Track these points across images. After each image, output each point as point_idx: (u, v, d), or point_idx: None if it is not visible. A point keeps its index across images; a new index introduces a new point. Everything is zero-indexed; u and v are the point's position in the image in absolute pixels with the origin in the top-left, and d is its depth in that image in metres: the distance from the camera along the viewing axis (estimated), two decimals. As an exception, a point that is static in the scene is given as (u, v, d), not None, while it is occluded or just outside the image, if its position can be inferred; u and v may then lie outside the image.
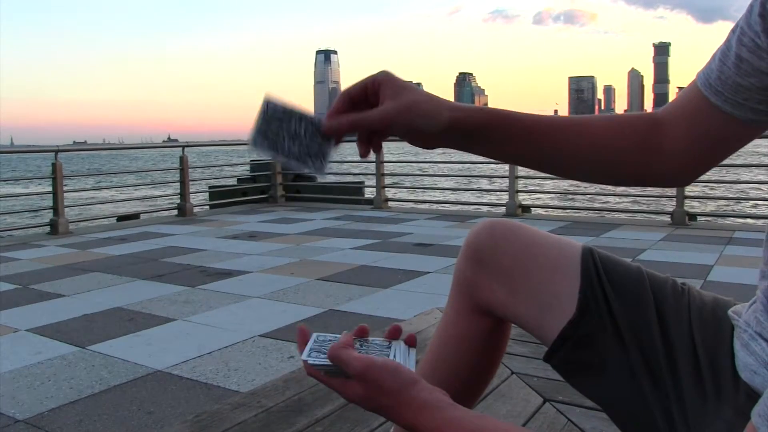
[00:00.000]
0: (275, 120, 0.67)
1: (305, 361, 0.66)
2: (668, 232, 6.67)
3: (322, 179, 11.23)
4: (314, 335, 0.68)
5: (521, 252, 0.87)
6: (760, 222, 8.35)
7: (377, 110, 0.68)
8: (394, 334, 0.71)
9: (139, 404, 2.55)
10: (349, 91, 0.69)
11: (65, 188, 7.52)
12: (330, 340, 0.68)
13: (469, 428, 0.58)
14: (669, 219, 7.36)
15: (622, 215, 8.96)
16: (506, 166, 8.30)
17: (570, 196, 11.69)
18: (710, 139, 0.68)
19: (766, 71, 0.60)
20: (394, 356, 0.67)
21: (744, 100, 0.63)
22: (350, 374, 0.64)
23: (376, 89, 0.69)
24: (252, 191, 10.77)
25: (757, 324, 0.68)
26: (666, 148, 0.70)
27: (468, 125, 0.69)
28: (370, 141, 0.70)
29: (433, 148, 0.72)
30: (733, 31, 0.63)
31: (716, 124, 0.66)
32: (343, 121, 0.68)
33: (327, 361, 0.65)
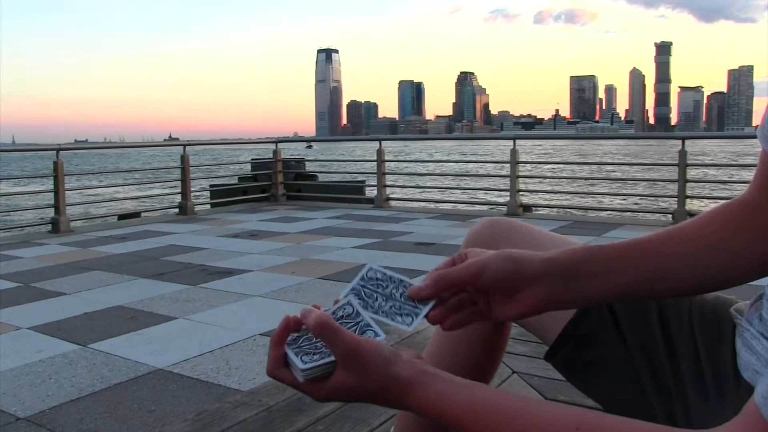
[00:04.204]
0: (372, 281, 0.70)
1: (283, 365, 0.62)
2: (669, 232, 6.66)
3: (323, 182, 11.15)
4: (287, 349, 0.63)
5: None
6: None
7: (463, 263, 0.68)
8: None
9: (140, 403, 2.55)
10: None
11: (66, 186, 7.53)
12: (305, 338, 0.63)
13: (460, 401, 0.57)
14: (670, 218, 7.36)
15: (623, 215, 8.96)
16: (507, 165, 8.29)
17: (571, 196, 11.70)
18: None
19: None
20: (370, 325, 0.64)
21: None
22: (337, 354, 0.59)
23: (464, 259, 0.69)
24: (253, 190, 10.77)
25: (759, 323, 0.67)
26: (762, 228, 0.68)
27: (562, 264, 0.67)
28: (461, 308, 0.69)
29: (528, 310, 0.67)
30: None
31: None
32: (427, 281, 0.67)
33: (320, 362, 0.61)
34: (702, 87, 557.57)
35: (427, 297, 0.68)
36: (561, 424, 0.54)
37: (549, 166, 28.15)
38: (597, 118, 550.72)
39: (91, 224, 8.34)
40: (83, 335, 3.42)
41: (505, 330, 0.98)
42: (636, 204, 13.12)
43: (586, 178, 12.08)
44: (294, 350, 0.62)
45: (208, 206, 9.75)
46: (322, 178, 12.30)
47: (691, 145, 7.86)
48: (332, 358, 0.60)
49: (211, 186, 10.91)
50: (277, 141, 10.57)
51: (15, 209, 10.23)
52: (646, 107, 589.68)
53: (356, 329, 0.64)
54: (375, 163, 9.21)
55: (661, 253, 0.69)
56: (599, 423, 0.54)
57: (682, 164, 7.24)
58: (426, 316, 0.67)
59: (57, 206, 7.31)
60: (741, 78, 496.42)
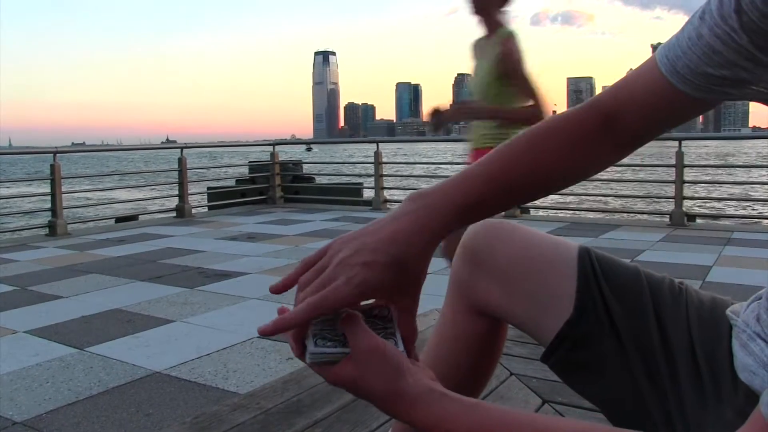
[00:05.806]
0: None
1: (304, 345, 0.64)
2: (667, 233, 6.67)
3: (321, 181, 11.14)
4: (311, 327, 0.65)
5: (518, 253, 0.87)
6: (764, 222, 8.36)
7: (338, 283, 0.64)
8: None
9: (138, 406, 2.54)
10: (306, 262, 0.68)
11: (63, 189, 7.52)
12: (329, 320, 0.64)
13: (468, 420, 0.57)
14: (668, 220, 7.36)
15: (621, 216, 8.96)
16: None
17: (568, 197, 11.73)
18: (670, 118, 0.69)
19: (741, 65, 0.57)
20: (395, 335, 0.63)
21: (715, 86, 0.61)
22: (353, 347, 0.60)
23: (324, 253, 0.67)
24: (250, 192, 10.77)
25: (756, 324, 0.67)
26: (620, 138, 0.72)
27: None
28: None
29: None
30: (701, 18, 0.59)
31: (681, 106, 0.66)
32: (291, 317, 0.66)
33: (331, 350, 0.61)
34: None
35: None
36: None
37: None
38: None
39: (88, 227, 8.33)
40: (80, 339, 3.41)
41: (502, 331, 0.98)
42: (634, 205, 13.13)
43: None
44: (314, 330, 0.64)
45: (206, 209, 9.75)
46: (319, 180, 12.31)
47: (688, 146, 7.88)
48: (347, 349, 0.60)
49: (208, 188, 10.91)
50: (275, 143, 10.57)
51: (12, 212, 10.20)
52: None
53: (383, 334, 0.63)
54: (373, 164, 9.21)
55: (523, 181, 0.71)
56: None
57: (679, 165, 7.25)
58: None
59: (54, 209, 7.30)
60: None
